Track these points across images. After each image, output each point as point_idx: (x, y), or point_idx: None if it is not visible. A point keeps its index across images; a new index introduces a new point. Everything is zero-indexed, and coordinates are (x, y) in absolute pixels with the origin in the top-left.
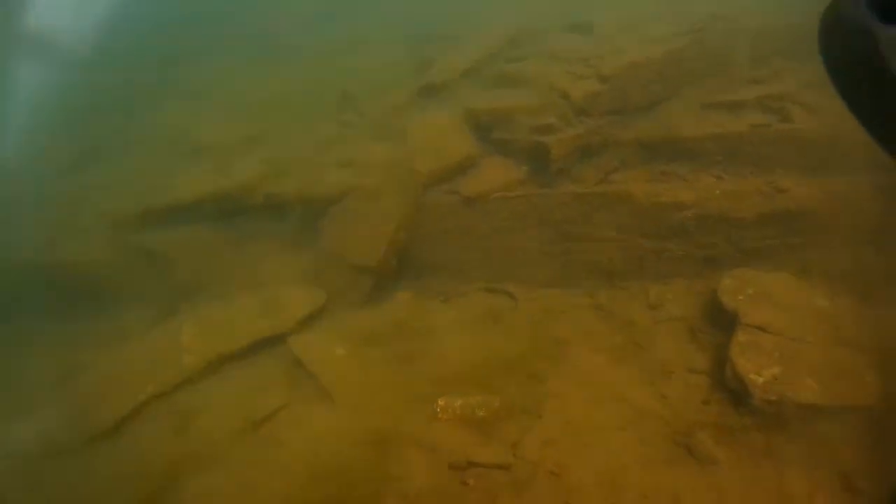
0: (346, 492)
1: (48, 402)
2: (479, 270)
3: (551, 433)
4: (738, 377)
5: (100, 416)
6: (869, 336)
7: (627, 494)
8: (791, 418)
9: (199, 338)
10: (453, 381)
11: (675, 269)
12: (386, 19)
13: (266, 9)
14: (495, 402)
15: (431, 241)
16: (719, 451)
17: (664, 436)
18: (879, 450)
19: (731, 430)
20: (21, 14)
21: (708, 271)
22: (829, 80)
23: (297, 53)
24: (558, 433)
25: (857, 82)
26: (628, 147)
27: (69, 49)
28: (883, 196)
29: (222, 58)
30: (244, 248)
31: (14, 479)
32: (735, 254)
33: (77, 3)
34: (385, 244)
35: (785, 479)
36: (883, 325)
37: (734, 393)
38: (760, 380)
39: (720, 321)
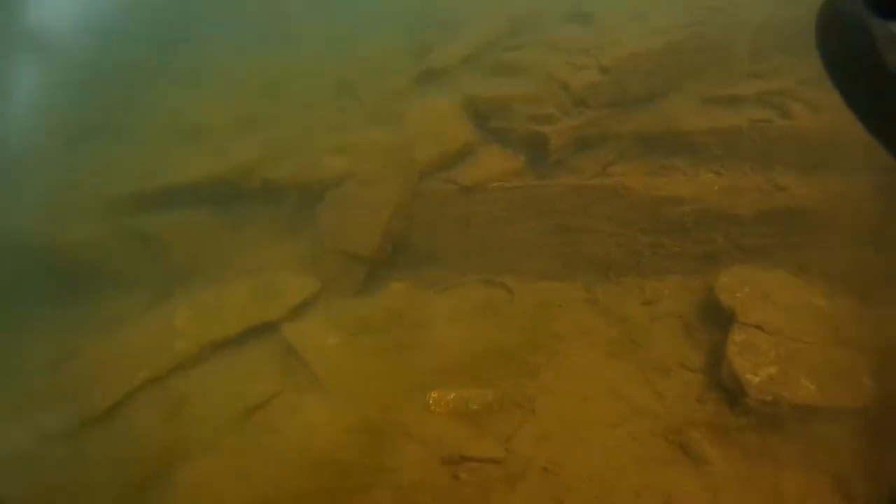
0: (338, 481)
1: (42, 387)
2: (476, 261)
3: (545, 428)
4: (733, 376)
5: (93, 400)
6: (868, 336)
7: (620, 493)
8: (787, 419)
9: (193, 322)
10: (447, 372)
11: (672, 264)
12: (385, 4)
13: None
14: (489, 396)
15: (428, 230)
16: (714, 450)
17: (658, 434)
18: (876, 451)
19: (726, 430)
20: None
21: (705, 268)
22: (826, 75)
23: (297, 37)
24: (552, 428)
25: (854, 77)
26: (627, 139)
27: (68, 31)
28: (883, 196)
29: (221, 41)
30: (240, 233)
31: (7, 465)
32: (733, 251)
33: None
34: (380, 233)
35: (780, 480)
36: (882, 325)
37: (729, 392)
38: (756, 380)
39: (717, 319)
